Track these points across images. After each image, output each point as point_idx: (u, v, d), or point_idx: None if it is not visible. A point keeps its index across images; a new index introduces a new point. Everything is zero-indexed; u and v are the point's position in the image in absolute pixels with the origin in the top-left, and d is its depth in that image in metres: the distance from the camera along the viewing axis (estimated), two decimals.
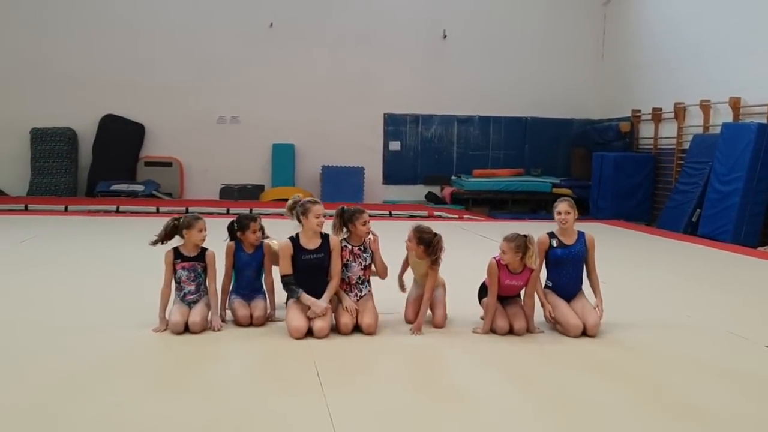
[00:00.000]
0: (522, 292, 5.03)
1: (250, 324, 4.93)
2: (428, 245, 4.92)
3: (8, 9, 14.68)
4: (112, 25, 14.92)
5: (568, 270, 5.09)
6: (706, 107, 12.35)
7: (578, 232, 5.14)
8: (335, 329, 4.85)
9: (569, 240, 5.09)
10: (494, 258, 4.93)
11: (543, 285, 5.19)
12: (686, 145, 12.88)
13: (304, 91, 15.39)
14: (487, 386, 3.96)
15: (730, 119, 11.58)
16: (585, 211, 14.48)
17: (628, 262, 8.35)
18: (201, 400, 3.61)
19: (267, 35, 15.30)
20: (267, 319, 5.04)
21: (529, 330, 4.97)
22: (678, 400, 3.79)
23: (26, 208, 12.83)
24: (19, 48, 14.64)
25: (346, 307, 4.87)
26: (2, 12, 14.68)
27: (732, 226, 10.73)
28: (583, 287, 5.16)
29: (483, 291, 5.12)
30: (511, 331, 4.91)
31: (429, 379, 4.12)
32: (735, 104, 11.52)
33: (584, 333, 4.90)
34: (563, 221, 5.06)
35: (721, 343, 4.97)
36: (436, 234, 4.96)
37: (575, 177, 15.57)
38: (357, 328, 4.87)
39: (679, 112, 13.13)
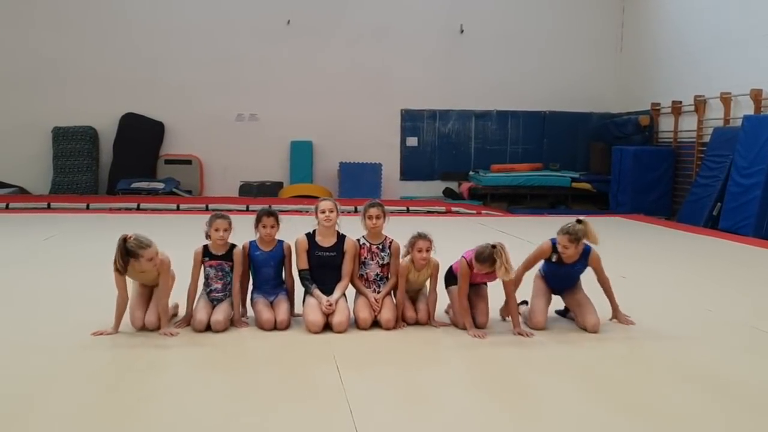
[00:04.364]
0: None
1: (274, 328, 4.79)
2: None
3: (29, 9, 14.86)
4: (131, 24, 15.05)
5: (561, 280, 5.05)
6: (726, 100, 12.21)
7: (584, 248, 4.89)
8: (354, 324, 4.89)
9: (569, 260, 4.90)
10: (464, 257, 4.76)
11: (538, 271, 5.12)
12: (706, 139, 12.75)
13: (321, 87, 15.43)
14: (502, 381, 3.99)
15: (751, 111, 11.44)
16: (605, 206, 14.42)
17: (648, 256, 8.29)
18: (220, 395, 3.65)
19: (284, 32, 15.36)
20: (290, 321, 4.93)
21: (519, 333, 4.76)
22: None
23: (49, 206, 13.02)
24: (39, 48, 14.81)
25: (373, 301, 4.89)
26: (23, 12, 14.87)
27: (753, 219, 10.59)
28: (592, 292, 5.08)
29: (451, 278, 5.02)
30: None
31: (444, 372, 4.14)
32: (756, 96, 11.37)
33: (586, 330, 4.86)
34: (563, 254, 4.85)
35: (746, 338, 4.93)
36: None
37: (594, 171, 15.46)
38: (375, 323, 4.91)
39: (700, 104, 12.99)
